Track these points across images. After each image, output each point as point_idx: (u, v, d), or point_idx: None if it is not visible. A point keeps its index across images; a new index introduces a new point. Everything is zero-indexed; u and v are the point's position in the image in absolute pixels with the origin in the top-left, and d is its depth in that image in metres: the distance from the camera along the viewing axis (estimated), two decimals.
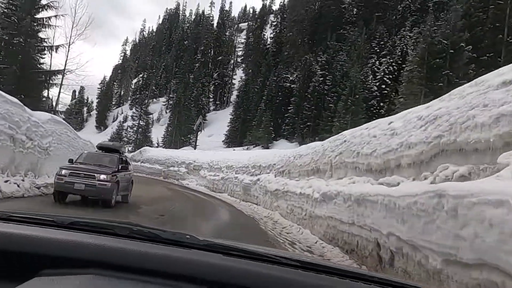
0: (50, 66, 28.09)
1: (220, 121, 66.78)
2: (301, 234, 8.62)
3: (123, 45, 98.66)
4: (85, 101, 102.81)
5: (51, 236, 0.90)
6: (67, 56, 26.65)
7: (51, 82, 29.02)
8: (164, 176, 30.35)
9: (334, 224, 7.04)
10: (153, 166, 33.53)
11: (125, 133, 63.71)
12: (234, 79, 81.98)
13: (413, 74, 30.15)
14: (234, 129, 49.88)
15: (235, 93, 79.35)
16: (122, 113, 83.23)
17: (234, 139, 46.93)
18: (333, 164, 8.29)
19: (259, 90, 49.44)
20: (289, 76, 47.74)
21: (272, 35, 72.74)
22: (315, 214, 8.21)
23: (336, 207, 6.90)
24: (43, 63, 28.25)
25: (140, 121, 61.74)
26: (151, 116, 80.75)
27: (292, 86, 46.31)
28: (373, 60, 39.71)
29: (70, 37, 26.85)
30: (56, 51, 26.45)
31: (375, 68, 38.43)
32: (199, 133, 45.44)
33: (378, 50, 40.66)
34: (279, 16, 76.97)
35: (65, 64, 26.61)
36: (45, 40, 26.25)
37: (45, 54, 27.22)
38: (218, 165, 22.12)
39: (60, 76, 28.18)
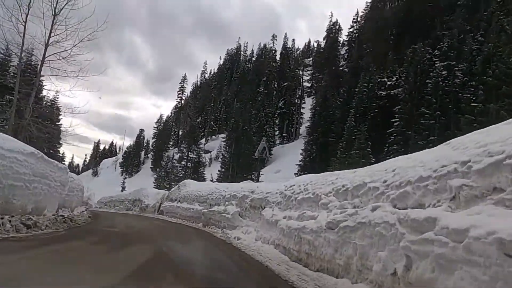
0: None
1: (288, 156, 53.97)
2: None
3: (180, 82, 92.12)
4: (143, 143, 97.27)
5: None
6: None
7: None
8: (205, 221, 17.68)
9: None
10: (192, 206, 21.11)
11: (175, 171, 53.42)
12: (303, 107, 69.82)
13: None
14: (311, 157, 36.47)
15: (305, 124, 67.33)
16: (178, 152, 74.33)
17: (312, 169, 33.23)
18: None
19: (342, 104, 36.26)
20: (385, 80, 34.01)
21: (347, 40, 60.38)
22: None
23: None
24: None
25: (191, 153, 51.32)
26: (209, 154, 70.63)
27: (392, 92, 32.50)
28: None
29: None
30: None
31: None
32: (264, 163, 32.70)
33: None
34: (355, 24, 64.87)
35: None
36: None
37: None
38: (309, 191, 8.77)
39: None
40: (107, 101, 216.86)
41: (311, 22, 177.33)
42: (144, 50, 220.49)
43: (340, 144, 31.50)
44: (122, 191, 52.20)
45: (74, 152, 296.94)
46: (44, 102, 33.15)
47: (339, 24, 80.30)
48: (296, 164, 38.22)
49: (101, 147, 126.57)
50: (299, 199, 8.98)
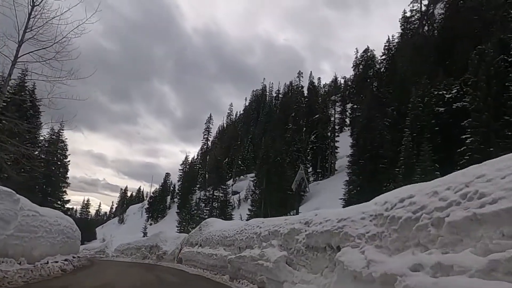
0: None
1: (326, 192, 47.90)
2: None
3: (206, 123, 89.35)
4: (169, 187, 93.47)
5: None
6: None
7: None
8: (232, 272, 12.22)
9: None
10: (215, 251, 15.71)
11: (200, 212, 48.08)
12: (337, 141, 64.32)
13: None
14: (357, 189, 30.40)
15: (340, 159, 61.42)
16: (205, 195, 69.69)
17: (361, 200, 27.36)
18: None
19: (391, 125, 30.66)
20: (443, 93, 28.36)
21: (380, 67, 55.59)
22: None
23: None
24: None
25: (216, 192, 46.15)
26: (237, 195, 65.34)
27: (455, 106, 26.73)
28: None
29: None
30: None
31: None
32: (302, 197, 27.09)
33: None
34: (386, 51, 60.44)
35: None
36: None
37: None
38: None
39: None
40: (137, 150, 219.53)
41: (334, 63, 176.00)
42: (171, 98, 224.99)
43: (397, 170, 25.58)
44: (143, 237, 47.16)
45: (102, 200, 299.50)
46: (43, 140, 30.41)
47: (371, 50, 76.29)
48: (340, 199, 32.14)
49: (129, 193, 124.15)
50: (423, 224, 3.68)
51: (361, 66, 71.14)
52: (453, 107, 27.29)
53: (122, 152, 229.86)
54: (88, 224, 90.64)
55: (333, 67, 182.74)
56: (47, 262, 10.13)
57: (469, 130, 23.32)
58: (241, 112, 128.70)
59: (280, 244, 9.53)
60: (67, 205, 36.91)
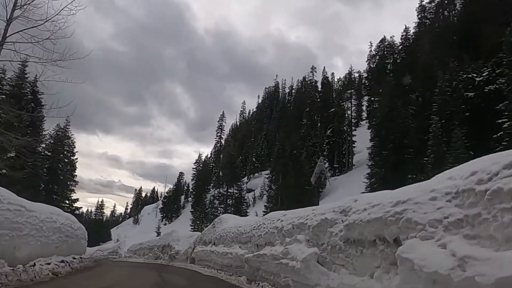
0: None
1: (344, 188, 45.82)
2: None
3: (219, 121, 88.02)
4: (183, 187, 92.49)
5: None
6: None
7: None
8: (250, 273, 10.59)
9: None
10: (230, 249, 14.10)
11: (214, 210, 46.64)
12: (354, 135, 62.11)
13: None
14: (380, 181, 28.33)
15: (358, 154, 59.26)
16: (219, 192, 68.39)
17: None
18: None
19: (416, 113, 28.51)
20: (474, 76, 26.12)
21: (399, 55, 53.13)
22: None
23: None
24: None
25: (230, 189, 44.56)
26: (252, 192, 63.76)
27: (488, 88, 24.50)
28: None
29: None
30: None
31: None
32: (322, 188, 25.19)
33: None
34: (403, 41, 58.01)
35: None
36: None
37: None
38: None
39: None
40: (150, 151, 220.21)
41: (347, 59, 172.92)
42: (184, 99, 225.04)
43: (426, 159, 23.54)
44: (157, 236, 45.99)
45: (118, 201, 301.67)
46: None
47: (391, 37, 73.40)
48: (362, 192, 30.19)
49: (143, 194, 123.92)
50: None
51: (377, 57, 68.57)
52: (485, 90, 25.05)
53: (137, 154, 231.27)
54: (103, 225, 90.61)
55: (346, 63, 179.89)
56: (34, 265, 8.66)
57: (505, 113, 21.15)
58: (254, 110, 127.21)
59: (307, 239, 7.83)
60: (75, 204, 35.73)
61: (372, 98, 62.07)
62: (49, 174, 30.52)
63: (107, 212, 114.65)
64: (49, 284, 7.75)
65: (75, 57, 11.77)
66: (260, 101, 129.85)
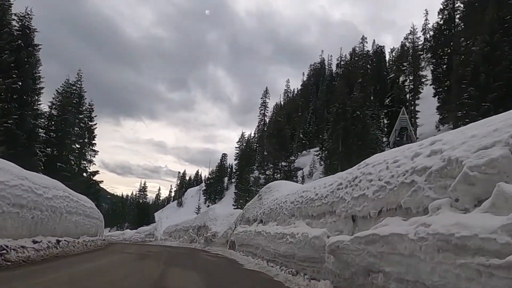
0: None
1: None
2: None
3: (262, 98, 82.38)
4: (226, 168, 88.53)
5: None
6: None
7: None
8: (341, 276, 4.66)
9: None
10: (289, 229, 8.33)
11: (258, 189, 41.43)
12: (418, 104, 53.81)
13: None
14: None
15: (421, 126, 50.99)
16: (266, 164, 63.43)
17: None
18: None
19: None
20: None
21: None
22: None
23: None
24: None
25: (279, 163, 38.86)
26: (300, 171, 57.81)
27: None
28: None
29: None
30: None
31: None
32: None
33: None
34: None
35: None
36: None
37: None
38: None
39: None
40: (195, 136, 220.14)
41: (396, 35, 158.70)
42: (227, 83, 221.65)
43: None
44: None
45: (164, 185, 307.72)
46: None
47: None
48: None
49: (187, 177, 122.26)
50: None
51: (445, 12, 58.61)
52: None
53: (181, 139, 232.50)
54: (148, 208, 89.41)
55: (395, 39, 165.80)
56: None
57: None
58: (299, 88, 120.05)
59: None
60: (95, 178, 30.87)
61: (443, 57, 52.26)
62: (54, 137, 25.81)
63: (152, 196, 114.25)
64: None
65: None
66: (305, 79, 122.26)
